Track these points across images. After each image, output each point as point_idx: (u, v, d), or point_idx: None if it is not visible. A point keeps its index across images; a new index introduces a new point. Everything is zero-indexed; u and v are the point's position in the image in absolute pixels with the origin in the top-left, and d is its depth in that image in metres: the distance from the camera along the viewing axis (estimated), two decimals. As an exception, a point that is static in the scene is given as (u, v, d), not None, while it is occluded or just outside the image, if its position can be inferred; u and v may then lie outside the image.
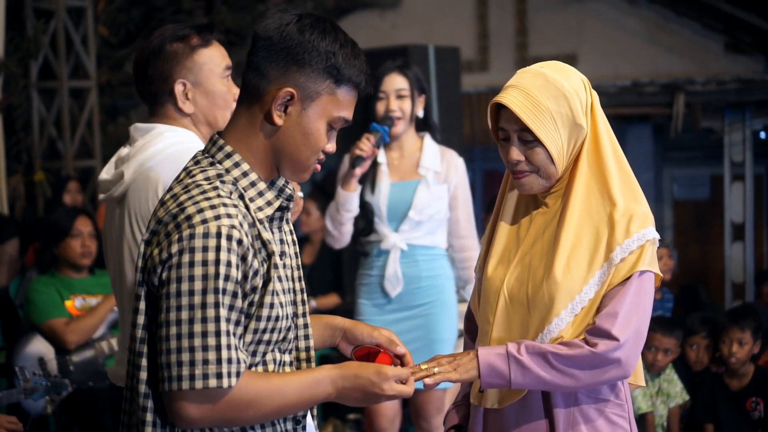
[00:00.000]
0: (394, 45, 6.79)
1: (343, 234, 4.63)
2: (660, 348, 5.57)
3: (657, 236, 2.57)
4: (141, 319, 2.13)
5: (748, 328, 5.53)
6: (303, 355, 2.32)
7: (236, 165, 2.17)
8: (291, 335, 2.25)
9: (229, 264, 2.03)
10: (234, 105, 2.81)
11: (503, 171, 2.77)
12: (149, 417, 2.13)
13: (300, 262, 2.35)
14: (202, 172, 2.16)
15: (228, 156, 2.18)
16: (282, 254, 2.25)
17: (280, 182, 2.28)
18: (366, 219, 4.63)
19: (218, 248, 2.03)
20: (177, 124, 2.93)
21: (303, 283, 2.35)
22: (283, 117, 2.16)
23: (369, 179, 4.65)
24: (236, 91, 2.93)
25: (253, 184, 2.18)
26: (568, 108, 2.53)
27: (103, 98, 9.55)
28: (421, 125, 4.72)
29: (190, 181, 2.15)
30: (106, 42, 9.66)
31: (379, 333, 2.42)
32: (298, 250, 2.35)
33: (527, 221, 2.66)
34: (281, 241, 2.26)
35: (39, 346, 5.38)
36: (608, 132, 2.61)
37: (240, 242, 2.05)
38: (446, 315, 4.73)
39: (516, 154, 2.56)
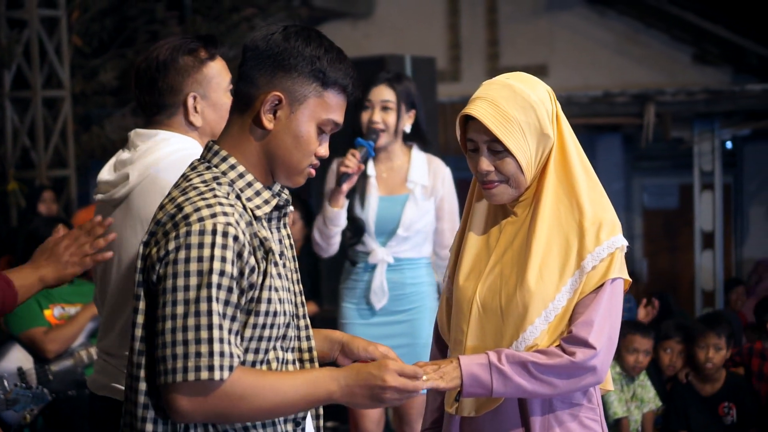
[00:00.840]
0: (371, 55, 6.84)
1: (331, 246, 4.66)
2: (640, 350, 5.65)
3: (625, 243, 2.61)
4: (140, 319, 2.18)
5: (723, 334, 5.62)
6: (306, 355, 2.35)
7: (232, 167, 2.23)
8: (291, 333, 2.29)
9: (224, 260, 2.09)
10: None
11: None
12: (150, 414, 2.17)
13: (297, 265, 2.40)
14: (198, 176, 2.22)
15: (224, 159, 2.24)
16: (281, 254, 2.29)
17: (276, 188, 2.34)
18: (354, 231, 4.67)
19: (213, 245, 2.08)
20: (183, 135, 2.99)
21: (301, 285, 2.40)
22: (273, 121, 2.22)
23: (358, 192, 4.66)
24: None
25: (249, 185, 2.23)
26: (535, 118, 2.57)
27: (77, 108, 9.53)
28: (411, 136, 4.71)
29: (187, 184, 2.21)
30: (79, 51, 9.64)
31: (375, 348, 2.45)
32: (295, 253, 2.40)
33: (497, 231, 2.69)
34: (280, 242, 2.30)
35: (18, 356, 5.37)
36: (574, 140, 2.66)
37: (236, 239, 2.11)
38: (429, 320, 4.78)
39: (485, 164, 2.59)
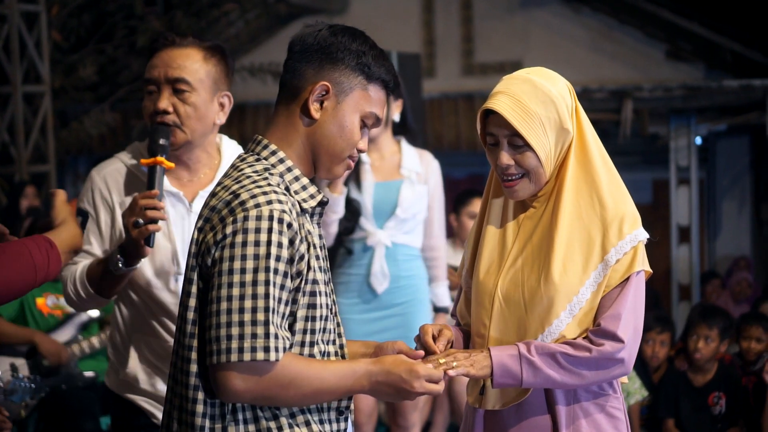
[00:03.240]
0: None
1: (329, 235, 4.71)
2: (657, 340, 5.78)
3: (647, 236, 2.64)
4: (192, 302, 2.24)
5: (716, 326, 5.69)
6: (340, 351, 2.43)
7: (281, 161, 2.31)
8: (330, 326, 2.37)
9: (280, 245, 2.16)
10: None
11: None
12: (200, 395, 2.23)
13: (328, 265, 2.46)
14: (249, 166, 2.29)
15: (273, 153, 2.32)
16: (322, 247, 2.37)
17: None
18: (350, 218, 4.72)
19: (270, 230, 2.15)
20: None
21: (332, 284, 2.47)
22: (320, 110, 2.31)
23: (353, 178, 4.74)
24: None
25: (297, 179, 2.31)
26: (555, 113, 2.60)
27: (55, 103, 9.50)
28: (398, 129, 4.80)
29: (239, 174, 2.28)
30: (58, 47, 9.61)
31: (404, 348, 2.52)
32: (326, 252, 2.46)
33: (515, 225, 2.72)
34: (320, 237, 2.37)
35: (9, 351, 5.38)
36: (593, 135, 2.69)
37: (290, 226, 2.18)
38: (423, 313, 4.86)
39: (506, 158, 2.62)
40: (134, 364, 3.10)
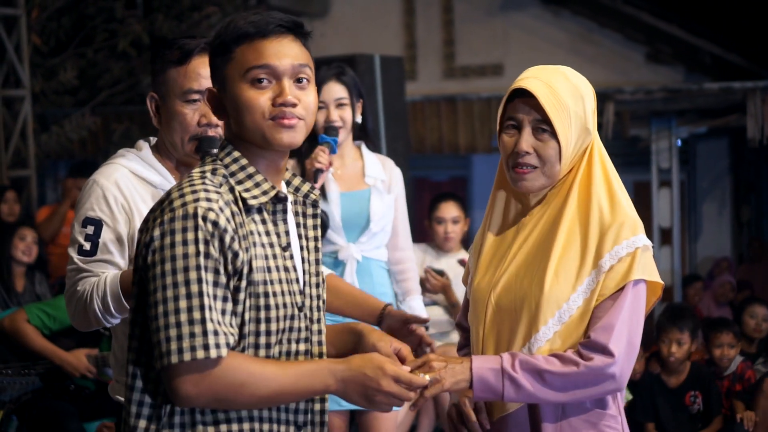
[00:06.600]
0: (340, 54, 6.85)
1: None
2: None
3: (648, 243, 2.50)
4: (132, 303, 2.24)
5: (686, 328, 5.73)
6: (316, 349, 2.36)
7: (235, 160, 2.28)
8: (299, 324, 2.31)
9: (206, 242, 2.12)
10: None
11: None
12: (135, 396, 2.22)
13: (320, 256, 2.42)
14: (201, 167, 2.29)
15: (228, 153, 2.29)
16: (287, 246, 2.30)
17: (296, 181, 2.41)
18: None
19: (196, 227, 2.12)
20: None
21: (320, 277, 2.42)
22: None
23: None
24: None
25: (250, 176, 2.27)
26: (582, 109, 2.51)
27: (35, 107, 9.45)
28: (357, 133, 4.57)
29: (187, 177, 2.26)
30: (37, 50, 9.56)
31: (385, 344, 2.44)
32: (319, 244, 2.42)
33: (514, 230, 2.63)
34: (286, 233, 2.31)
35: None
36: (600, 142, 2.60)
37: (215, 224, 2.14)
38: None
39: (526, 144, 2.51)
40: None
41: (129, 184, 2.98)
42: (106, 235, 2.92)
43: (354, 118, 4.46)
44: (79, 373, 5.27)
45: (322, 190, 4.44)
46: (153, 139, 3.11)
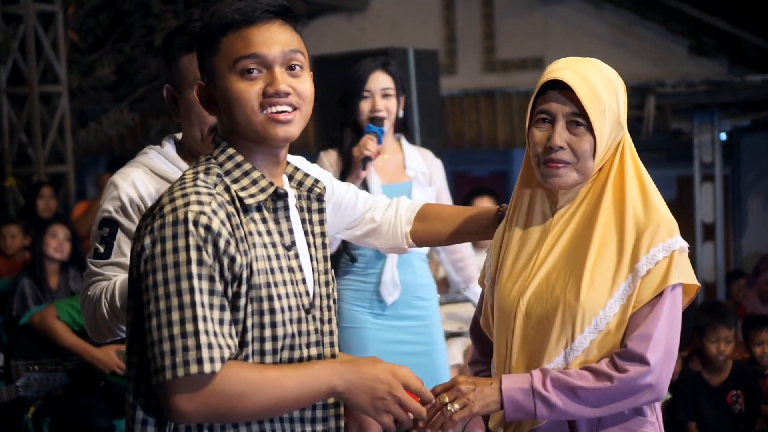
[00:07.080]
0: (374, 48, 6.76)
1: (335, 240, 4.54)
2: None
3: (685, 244, 2.38)
4: (130, 316, 2.11)
5: (733, 325, 5.68)
6: (328, 351, 2.23)
7: (230, 158, 2.15)
8: (308, 327, 2.18)
9: (199, 248, 1.99)
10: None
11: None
12: (138, 414, 2.11)
13: (327, 254, 2.30)
14: (193, 168, 2.16)
15: (223, 151, 2.16)
16: (291, 244, 2.18)
17: (299, 175, 2.28)
18: None
19: (187, 233, 1.99)
20: None
21: (330, 275, 2.29)
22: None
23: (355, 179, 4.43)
24: None
25: (246, 173, 2.14)
26: (616, 104, 2.41)
27: (72, 103, 9.48)
28: (398, 127, 4.56)
29: (179, 179, 2.14)
30: (75, 47, 9.60)
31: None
32: (327, 240, 2.30)
33: (542, 230, 2.51)
34: (290, 231, 2.19)
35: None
36: (630, 139, 2.50)
37: (208, 228, 2.00)
38: (439, 322, 4.68)
39: (560, 138, 2.40)
40: None
41: (147, 183, 2.81)
42: (121, 237, 2.77)
43: (398, 111, 4.44)
44: (109, 369, 5.24)
45: (364, 182, 4.41)
46: (180, 135, 2.92)
